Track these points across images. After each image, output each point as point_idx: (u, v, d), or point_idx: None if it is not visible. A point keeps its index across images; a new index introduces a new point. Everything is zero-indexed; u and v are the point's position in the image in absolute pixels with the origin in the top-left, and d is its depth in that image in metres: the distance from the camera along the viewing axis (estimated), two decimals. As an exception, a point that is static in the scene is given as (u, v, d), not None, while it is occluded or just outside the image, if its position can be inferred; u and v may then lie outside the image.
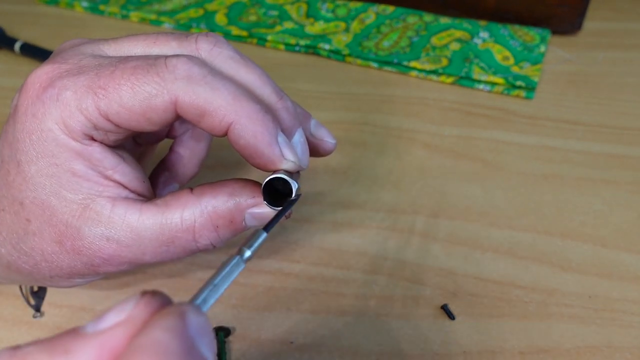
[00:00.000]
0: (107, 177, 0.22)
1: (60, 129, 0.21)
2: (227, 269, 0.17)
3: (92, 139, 0.21)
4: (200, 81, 0.20)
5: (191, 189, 0.23)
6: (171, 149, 0.28)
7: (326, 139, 0.25)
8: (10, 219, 0.22)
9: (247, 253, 0.18)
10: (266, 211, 0.23)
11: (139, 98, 0.20)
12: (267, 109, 0.21)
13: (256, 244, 0.18)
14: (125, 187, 0.22)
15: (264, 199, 0.22)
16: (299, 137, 0.23)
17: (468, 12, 0.50)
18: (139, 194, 0.23)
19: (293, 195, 0.22)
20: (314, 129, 0.25)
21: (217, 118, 0.20)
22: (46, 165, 0.21)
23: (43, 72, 0.21)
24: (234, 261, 0.17)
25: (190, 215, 0.22)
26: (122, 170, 0.22)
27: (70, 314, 0.28)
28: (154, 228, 0.22)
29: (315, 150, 0.25)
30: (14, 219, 0.22)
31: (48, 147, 0.21)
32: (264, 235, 0.19)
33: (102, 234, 0.22)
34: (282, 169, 0.22)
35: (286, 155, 0.21)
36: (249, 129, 0.20)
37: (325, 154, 0.26)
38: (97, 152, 0.21)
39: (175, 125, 0.28)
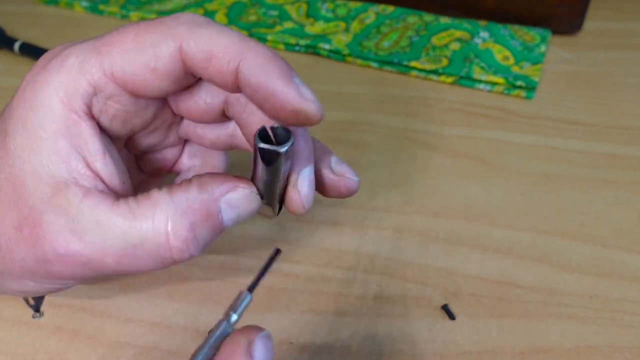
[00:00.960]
0: (87, 164, 0.21)
1: (58, 96, 0.20)
2: (216, 335, 0.17)
3: (90, 112, 0.21)
4: (205, 25, 0.20)
5: (161, 188, 0.21)
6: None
7: (348, 175, 0.24)
8: None
9: (234, 317, 0.18)
10: (241, 195, 0.21)
11: (143, 47, 0.20)
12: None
13: (242, 307, 0.18)
14: (103, 181, 0.21)
15: (258, 142, 0.19)
16: (309, 173, 0.22)
17: (468, 12, 0.50)
18: (116, 193, 0.22)
19: (289, 142, 0.19)
20: (335, 165, 0.24)
21: (224, 59, 0.20)
22: (31, 138, 0.20)
23: (53, 49, 0.22)
24: (222, 327, 0.17)
25: (162, 214, 0.20)
26: (104, 162, 0.21)
27: (70, 314, 0.28)
28: (123, 226, 0.20)
29: (336, 188, 0.24)
30: None
31: (37, 118, 0.20)
32: (249, 297, 0.18)
33: (65, 224, 0.20)
34: (302, 111, 0.19)
35: (305, 94, 0.19)
36: (260, 64, 0.19)
37: (347, 194, 0.24)
38: (87, 132, 0.21)
39: (183, 158, 0.27)
